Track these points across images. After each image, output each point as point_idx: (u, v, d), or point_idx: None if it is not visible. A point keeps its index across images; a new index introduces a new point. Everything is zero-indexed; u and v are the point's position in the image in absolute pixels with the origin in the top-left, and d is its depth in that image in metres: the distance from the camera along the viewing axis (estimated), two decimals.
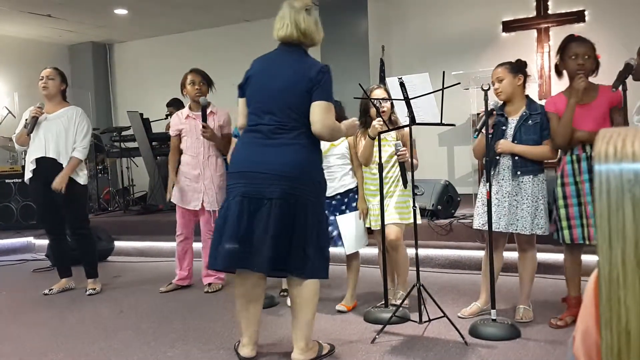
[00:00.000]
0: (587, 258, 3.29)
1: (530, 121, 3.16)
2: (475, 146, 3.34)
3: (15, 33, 9.41)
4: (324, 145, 3.56)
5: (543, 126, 3.15)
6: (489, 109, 3.11)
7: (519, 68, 3.22)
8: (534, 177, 3.18)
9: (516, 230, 3.18)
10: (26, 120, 4.28)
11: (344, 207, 3.59)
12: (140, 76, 10.18)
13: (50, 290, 4.44)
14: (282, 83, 2.63)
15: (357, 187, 3.62)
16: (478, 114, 3.28)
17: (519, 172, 3.16)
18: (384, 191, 3.38)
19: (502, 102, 3.23)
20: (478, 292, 3.47)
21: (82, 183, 4.31)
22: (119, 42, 10.62)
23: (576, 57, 2.99)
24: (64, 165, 4.23)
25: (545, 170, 3.27)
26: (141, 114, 7.13)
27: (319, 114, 2.63)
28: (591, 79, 3.05)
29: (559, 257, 4.20)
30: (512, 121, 3.20)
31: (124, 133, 7.81)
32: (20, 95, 9.11)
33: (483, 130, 3.15)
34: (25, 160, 7.63)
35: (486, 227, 3.23)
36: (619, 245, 0.59)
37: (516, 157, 3.15)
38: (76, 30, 9.49)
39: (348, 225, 3.53)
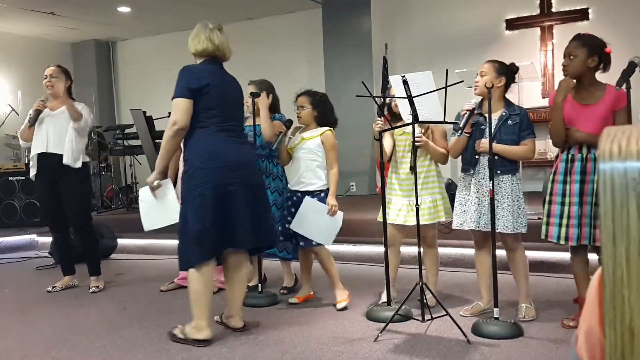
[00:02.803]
0: (594, 257, 3.28)
1: (509, 121, 3.18)
2: (452, 146, 3.36)
3: (19, 31, 9.43)
4: (296, 138, 3.76)
5: (522, 127, 3.18)
6: (470, 107, 3.15)
7: (505, 70, 3.22)
8: (512, 177, 3.20)
9: (497, 229, 3.17)
10: (29, 115, 4.30)
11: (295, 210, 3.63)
12: (143, 74, 10.19)
13: (53, 287, 4.45)
14: (235, 95, 3.20)
15: (322, 190, 3.64)
16: (459, 113, 3.29)
17: (498, 172, 3.17)
18: (417, 190, 3.27)
19: (479, 100, 3.25)
20: (480, 291, 3.46)
21: (79, 167, 4.29)
22: (122, 40, 10.63)
23: (564, 57, 2.99)
24: (67, 163, 4.23)
25: (520, 170, 3.28)
26: (144, 112, 7.14)
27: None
28: (600, 77, 3.02)
29: (561, 255, 4.20)
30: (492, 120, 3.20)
31: (127, 131, 7.83)
32: (24, 93, 9.13)
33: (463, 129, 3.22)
34: (26, 158, 7.70)
35: (463, 227, 3.31)
36: (623, 244, 0.59)
37: (495, 157, 3.16)
38: (79, 28, 9.51)
39: (310, 209, 3.56)
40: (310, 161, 3.64)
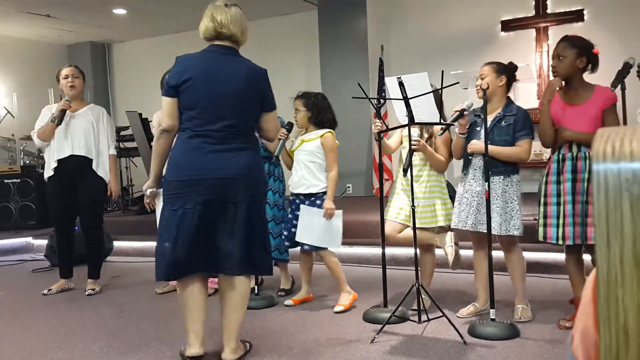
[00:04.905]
0: (589, 257, 3.29)
1: (503, 122, 3.20)
2: (453, 147, 3.40)
3: (14, 33, 9.41)
4: (297, 140, 3.73)
5: (516, 127, 3.18)
6: (459, 108, 3.17)
7: (505, 70, 3.25)
8: (505, 178, 3.20)
9: (484, 230, 3.18)
10: (52, 114, 4.27)
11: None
12: (139, 76, 10.17)
13: (49, 290, 4.43)
14: (233, 89, 2.65)
15: (323, 192, 3.64)
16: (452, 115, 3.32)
17: (489, 172, 3.17)
18: (413, 192, 3.28)
19: (478, 100, 3.27)
20: (476, 292, 3.47)
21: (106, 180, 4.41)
22: (118, 42, 10.62)
23: (553, 58, 3.01)
24: (93, 161, 4.30)
25: (520, 171, 3.29)
26: (140, 114, 7.12)
27: (273, 123, 2.85)
28: (590, 77, 3.04)
29: (558, 256, 4.21)
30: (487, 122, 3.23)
31: (122, 133, 7.82)
32: (19, 95, 9.11)
33: (456, 130, 3.26)
34: (22, 161, 7.68)
35: (458, 227, 3.33)
36: (617, 244, 0.59)
37: (487, 158, 3.17)
38: (75, 30, 9.49)
39: (307, 216, 3.58)
40: (310, 163, 3.65)
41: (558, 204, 3.00)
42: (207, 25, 2.70)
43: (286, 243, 3.82)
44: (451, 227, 3.40)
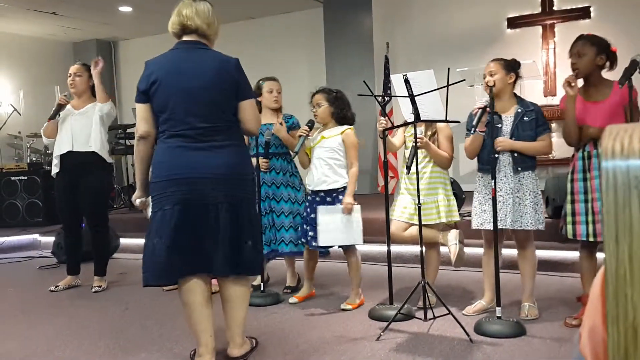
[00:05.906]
0: (602, 255, 3.28)
1: (526, 117, 3.20)
2: (468, 146, 3.33)
3: (20, 31, 9.44)
4: (315, 137, 3.64)
5: (538, 122, 3.20)
6: (482, 105, 3.14)
7: (512, 66, 3.25)
8: (532, 173, 3.23)
9: (521, 226, 3.18)
10: (53, 110, 4.33)
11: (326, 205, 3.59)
12: None
13: (56, 287, 4.46)
14: (203, 83, 2.55)
15: (343, 187, 3.58)
16: (471, 113, 3.28)
17: (519, 168, 3.18)
18: (419, 190, 3.27)
19: (490, 98, 3.25)
20: (483, 290, 3.46)
21: (104, 163, 4.37)
22: (124, 40, 10.64)
23: (571, 56, 3.01)
24: (96, 151, 4.28)
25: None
26: None
27: (250, 113, 2.67)
28: (607, 75, 3.04)
29: (565, 254, 4.20)
30: (507, 118, 3.22)
31: (129, 130, 7.84)
32: (26, 93, 9.14)
33: (477, 129, 3.20)
34: (29, 158, 7.71)
35: (485, 227, 3.27)
36: (626, 242, 0.59)
37: (515, 154, 3.17)
38: (81, 28, 9.52)
39: (327, 216, 3.50)
40: (331, 159, 3.58)
41: (586, 201, 3.01)
42: (173, 20, 2.65)
43: (313, 243, 3.63)
44: (475, 227, 3.33)
